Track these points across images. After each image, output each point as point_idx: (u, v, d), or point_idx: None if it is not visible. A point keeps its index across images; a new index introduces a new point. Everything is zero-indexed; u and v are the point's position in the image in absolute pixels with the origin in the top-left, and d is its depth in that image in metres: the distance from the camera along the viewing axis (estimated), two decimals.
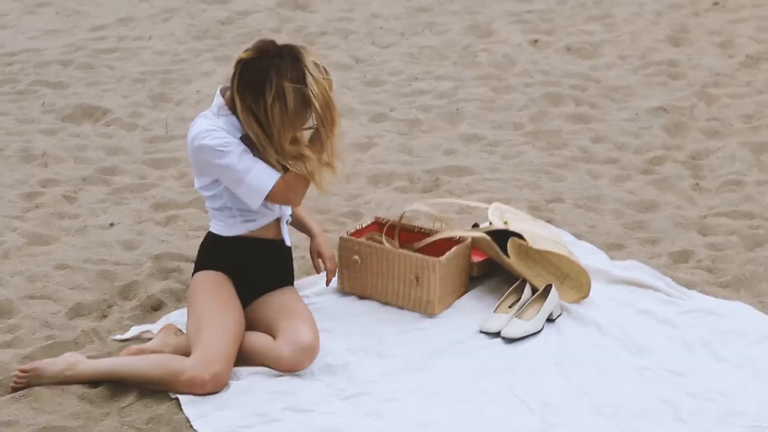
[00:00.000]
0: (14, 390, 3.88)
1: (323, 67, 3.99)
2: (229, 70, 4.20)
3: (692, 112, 6.54)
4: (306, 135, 4.05)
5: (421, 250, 4.50)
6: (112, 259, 4.82)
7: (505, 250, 4.46)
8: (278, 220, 4.24)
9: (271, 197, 4.02)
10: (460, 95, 6.82)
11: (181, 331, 4.18)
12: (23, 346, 4.16)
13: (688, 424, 3.78)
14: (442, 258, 4.36)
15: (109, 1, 8.78)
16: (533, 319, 4.29)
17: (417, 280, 4.38)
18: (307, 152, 3.98)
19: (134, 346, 4.05)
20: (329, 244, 4.50)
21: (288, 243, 4.30)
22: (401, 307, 4.45)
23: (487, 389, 3.96)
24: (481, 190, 5.53)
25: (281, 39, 4.07)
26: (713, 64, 7.29)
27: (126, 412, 3.79)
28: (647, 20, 8.21)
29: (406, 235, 4.67)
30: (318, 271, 4.48)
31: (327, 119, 3.97)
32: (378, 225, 4.71)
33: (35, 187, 5.55)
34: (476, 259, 4.64)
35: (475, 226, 4.76)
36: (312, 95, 3.90)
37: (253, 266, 4.20)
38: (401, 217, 4.66)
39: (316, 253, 4.44)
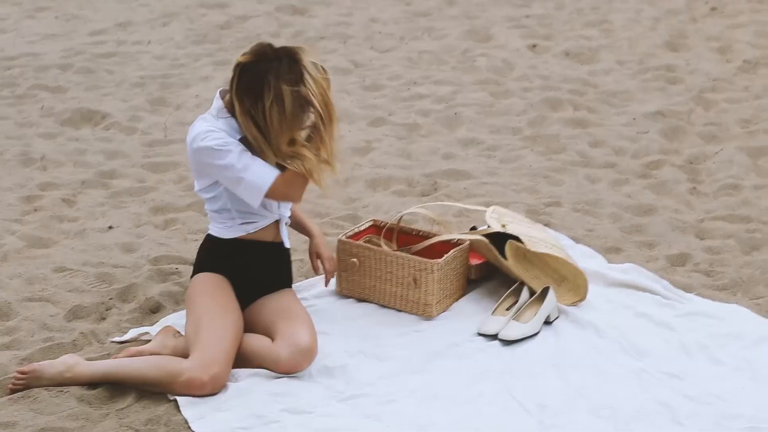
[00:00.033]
0: (13, 391, 3.89)
1: (321, 66, 4.01)
2: (227, 74, 4.21)
3: (690, 117, 6.56)
4: (303, 134, 4.06)
5: (418, 253, 4.51)
6: (111, 261, 4.83)
7: (502, 253, 4.47)
8: (277, 223, 4.25)
9: (271, 194, 4.03)
10: (459, 100, 6.83)
11: (179, 333, 4.18)
12: (22, 347, 4.17)
13: (686, 427, 3.79)
14: (440, 260, 4.37)
15: (108, 6, 8.79)
16: (531, 322, 4.30)
17: (415, 283, 4.39)
18: (305, 152, 3.99)
19: (133, 348, 4.05)
20: (328, 245, 4.50)
21: (287, 245, 4.31)
22: (399, 310, 4.46)
23: (485, 391, 3.97)
24: (479, 194, 5.54)
25: (280, 43, 4.08)
26: (711, 69, 7.31)
27: (124, 414, 3.80)
28: (645, 26, 8.23)
29: (404, 238, 4.68)
30: (316, 271, 4.49)
31: (326, 117, 3.98)
32: (376, 228, 4.72)
33: (34, 191, 5.56)
34: (474, 261, 4.65)
35: (473, 229, 4.78)
36: (311, 94, 3.92)
37: (251, 268, 4.21)
38: (399, 220, 4.67)
39: (314, 254, 4.45)
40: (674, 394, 3.95)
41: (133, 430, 3.72)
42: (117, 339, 4.26)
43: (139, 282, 4.63)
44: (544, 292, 4.39)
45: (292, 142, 3.99)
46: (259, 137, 3.98)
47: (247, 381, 3.95)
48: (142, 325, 4.36)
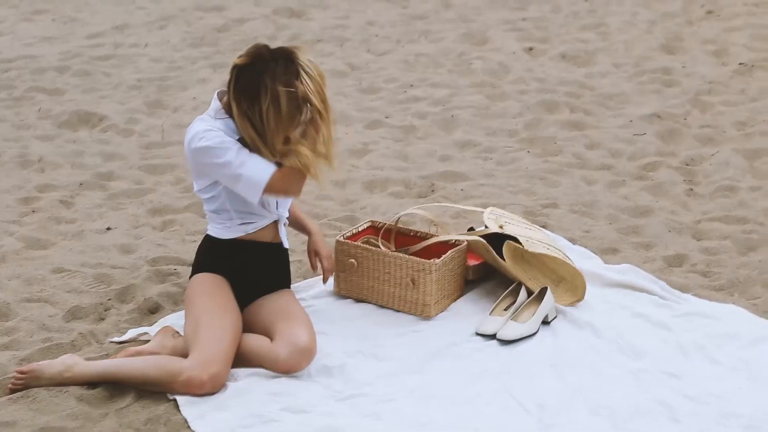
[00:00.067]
0: (12, 391, 3.90)
1: (316, 64, 4.04)
2: (224, 77, 4.23)
3: (686, 119, 6.57)
4: (298, 131, 4.06)
5: (416, 254, 4.52)
6: (109, 262, 4.84)
7: (500, 254, 4.48)
8: (276, 223, 4.26)
9: (270, 189, 4.03)
10: (455, 102, 6.85)
11: (178, 333, 4.19)
12: (21, 348, 4.17)
13: (685, 426, 3.79)
14: (438, 261, 4.38)
15: (105, 9, 8.81)
16: (529, 322, 4.31)
17: (413, 283, 4.40)
18: (300, 148, 4.00)
19: (132, 348, 4.06)
20: (326, 243, 4.51)
21: (286, 246, 4.32)
22: (397, 310, 4.47)
23: (483, 391, 3.97)
24: (476, 195, 5.56)
25: (277, 46, 4.10)
26: (707, 72, 7.33)
27: (124, 413, 3.80)
28: (641, 29, 8.25)
29: (402, 238, 4.69)
30: (315, 269, 4.49)
31: (323, 113, 4.00)
32: (374, 229, 4.73)
33: (32, 192, 5.57)
34: (472, 262, 4.66)
35: (471, 230, 4.79)
36: (308, 91, 3.94)
37: (250, 269, 4.22)
38: (397, 221, 4.68)
39: (313, 251, 4.46)
40: (673, 394, 3.95)
41: (133, 430, 3.73)
42: (116, 339, 4.27)
43: (137, 283, 4.64)
44: (542, 292, 4.40)
45: (287, 140, 4.01)
46: (256, 138, 3.99)
47: (246, 380, 3.96)
48: (141, 326, 4.37)
